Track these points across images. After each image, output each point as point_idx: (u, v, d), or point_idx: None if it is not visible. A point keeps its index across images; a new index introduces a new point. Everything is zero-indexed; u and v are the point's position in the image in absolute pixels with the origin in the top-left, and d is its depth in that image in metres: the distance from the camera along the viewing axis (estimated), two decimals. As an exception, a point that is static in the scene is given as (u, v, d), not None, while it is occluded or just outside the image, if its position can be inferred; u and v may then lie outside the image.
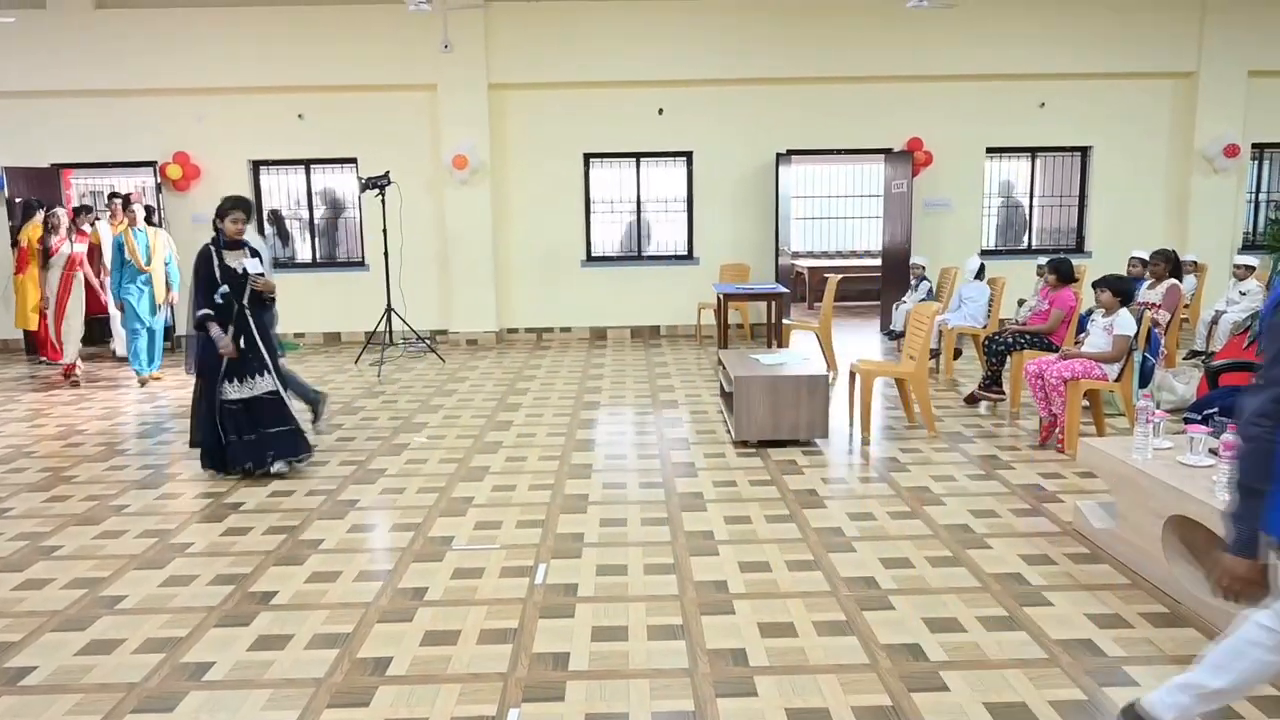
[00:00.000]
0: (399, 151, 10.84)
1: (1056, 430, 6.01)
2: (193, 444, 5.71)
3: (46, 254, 8.92)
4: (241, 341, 5.45)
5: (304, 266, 11.56)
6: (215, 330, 5.35)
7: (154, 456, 6.19)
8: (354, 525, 4.78)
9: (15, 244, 10.02)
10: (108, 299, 9.48)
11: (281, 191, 11.50)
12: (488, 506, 5.02)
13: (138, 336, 8.64)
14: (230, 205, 5.43)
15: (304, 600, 3.84)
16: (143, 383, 8.63)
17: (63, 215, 9.15)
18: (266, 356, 5.56)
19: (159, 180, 10.97)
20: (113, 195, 10.09)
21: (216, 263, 5.39)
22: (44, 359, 9.97)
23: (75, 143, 10.94)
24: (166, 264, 8.78)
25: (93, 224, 9.81)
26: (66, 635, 3.55)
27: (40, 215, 9.85)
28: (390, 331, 9.98)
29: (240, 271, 5.42)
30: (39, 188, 10.53)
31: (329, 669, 3.25)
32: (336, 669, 3.25)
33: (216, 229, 5.47)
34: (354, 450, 6.26)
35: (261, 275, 5.47)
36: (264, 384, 5.54)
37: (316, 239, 11.67)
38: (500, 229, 11.20)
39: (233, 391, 5.45)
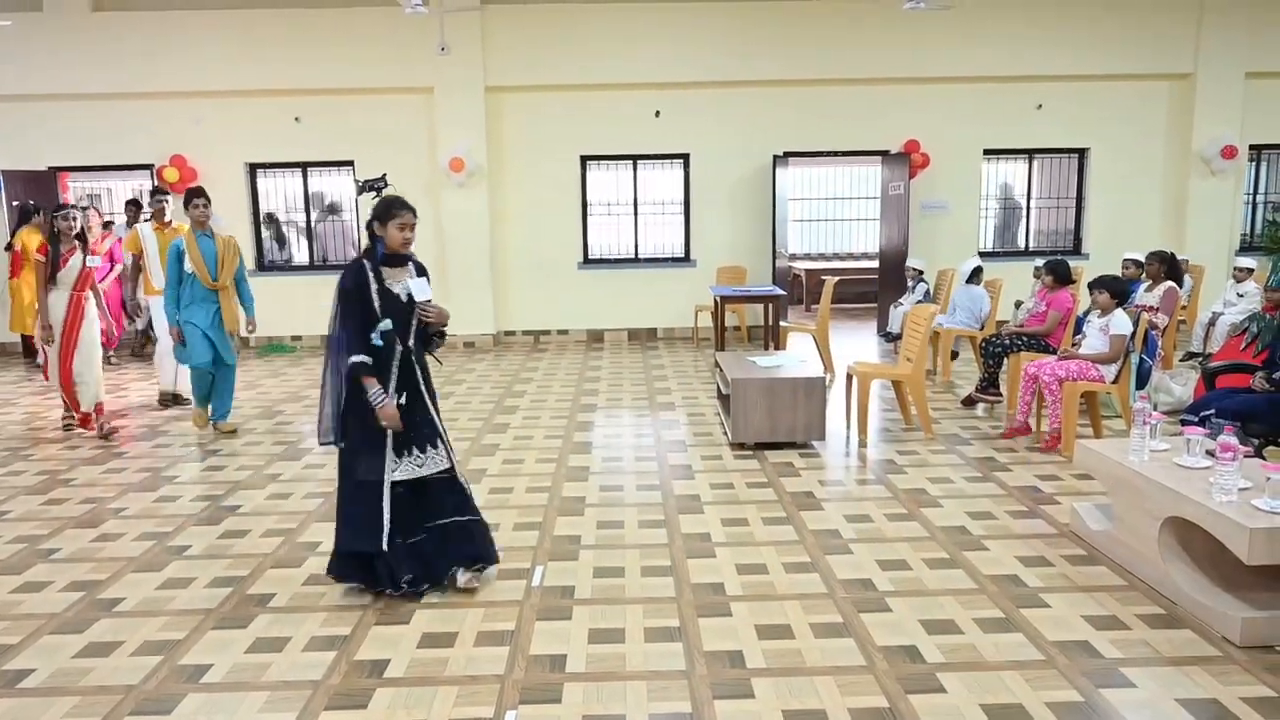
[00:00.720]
0: (396, 154, 10.83)
1: (1022, 437, 6.16)
2: (340, 552, 3.89)
3: (55, 266, 6.57)
4: (403, 397, 3.84)
5: (301, 269, 11.56)
6: (374, 389, 3.70)
7: (152, 459, 6.18)
8: (352, 528, 4.77)
9: (9, 248, 10.00)
10: (109, 327, 7.48)
11: (279, 194, 11.49)
12: (485, 509, 4.97)
13: (203, 378, 6.69)
14: (397, 204, 3.80)
15: (302, 603, 3.84)
16: (231, 431, 6.74)
17: (77, 217, 6.74)
18: (438, 418, 4.00)
19: (156, 183, 10.96)
20: (156, 191, 7.85)
21: (375, 286, 3.78)
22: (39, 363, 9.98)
23: (72, 145, 10.94)
24: (238, 281, 6.73)
25: (131, 224, 8.66)
26: (65, 638, 3.55)
27: (39, 219, 9.78)
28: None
29: (405, 297, 3.83)
30: (36, 191, 10.52)
31: (326, 671, 3.25)
32: (334, 671, 3.25)
33: (374, 238, 3.85)
34: (352, 453, 6.24)
35: (429, 301, 3.89)
36: (437, 460, 3.90)
37: (313, 241, 11.69)
38: (497, 231, 11.20)
39: (401, 470, 3.82)
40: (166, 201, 7.65)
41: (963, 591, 3.84)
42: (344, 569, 3.89)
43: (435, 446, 3.90)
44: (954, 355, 9.07)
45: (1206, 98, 11.01)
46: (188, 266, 6.43)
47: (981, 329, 8.46)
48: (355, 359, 3.70)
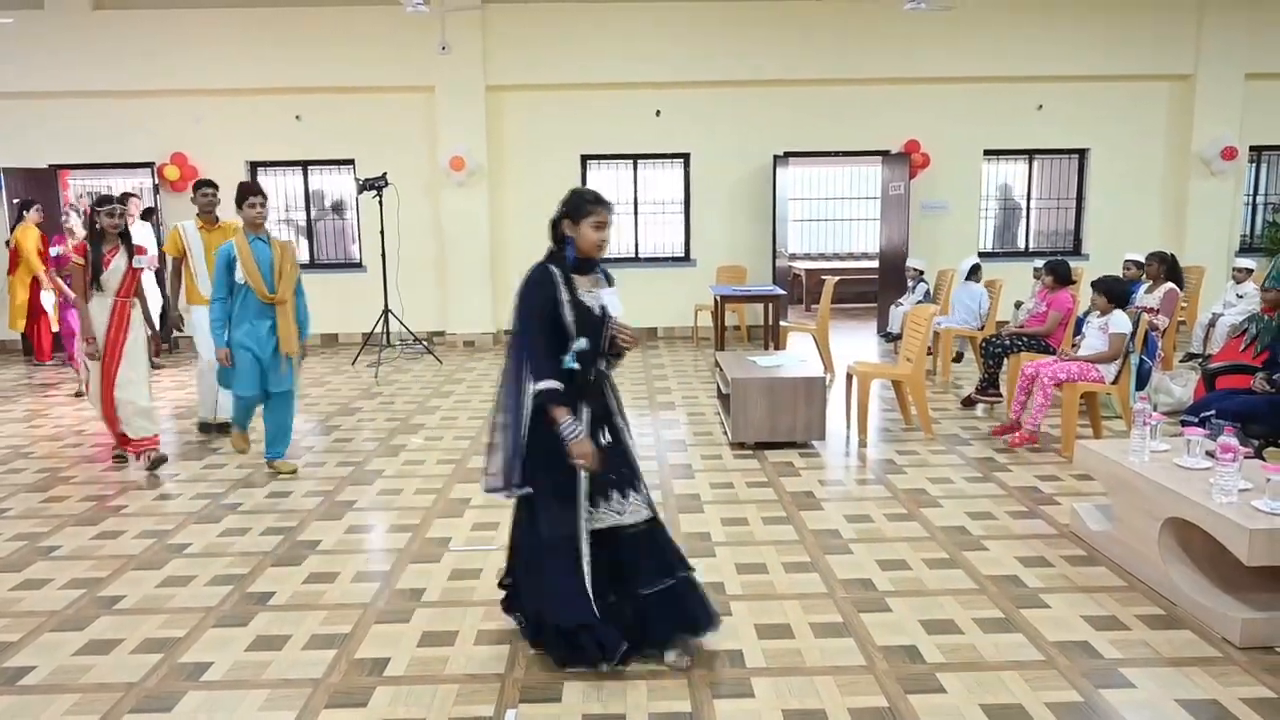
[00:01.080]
0: (396, 153, 10.85)
1: (1015, 434, 6.07)
2: (559, 628, 3.17)
3: (97, 269, 5.56)
4: (604, 432, 3.24)
5: (301, 268, 11.51)
6: (567, 422, 3.07)
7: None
8: (351, 526, 4.78)
9: (7, 244, 10.00)
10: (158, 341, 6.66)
11: (279, 192, 11.49)
12: (485, 507, 5.02)
13: (248, 407, 5.60)
14: (590, 198, 3.27)
15: (302, 601, 3.84)
16: (291, 471, 5.69)
17: (120, 212, 5.67)
18: (634, 455, 3.34)
19: (156, 181, 10.98)
20: (201, 183, 6.51)
21: (567, 298, 3.17)
22: (41, 361, 9.99)
23: (73, 144, 10.93)
24: (296, 295, 5.67)
25: (158, 226, 8.38)
26: (65, 635, 3.55)
27: (33, 213, 9.77)
28: (387, 333, 9.98)
29: (599, 312, 3.23)
30: (37, 189, 10.52)
31: (327, 669, 3.25)
32: (334, 669, 3.25)
33: (561, 240, 3.31)
34: (351, 451, 6.26)
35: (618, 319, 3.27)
36: (635, 509, 3.22)
37: (313, 240, 11.68)
38: (497, 231, 11.20)
39: (598, 518, 3.18)
40: (215, 195, 6.45)
41: (963, 591, 3.84)
42: (565, 649, 3.19)
43: (637, 491, 3.23)
44: (958, 357, 9.13)
45: (1206, 99, 11.02)
46: (239, 277, 5.34)
47: (981, 328, 8.47)
48: (544, 384, 3.06)
